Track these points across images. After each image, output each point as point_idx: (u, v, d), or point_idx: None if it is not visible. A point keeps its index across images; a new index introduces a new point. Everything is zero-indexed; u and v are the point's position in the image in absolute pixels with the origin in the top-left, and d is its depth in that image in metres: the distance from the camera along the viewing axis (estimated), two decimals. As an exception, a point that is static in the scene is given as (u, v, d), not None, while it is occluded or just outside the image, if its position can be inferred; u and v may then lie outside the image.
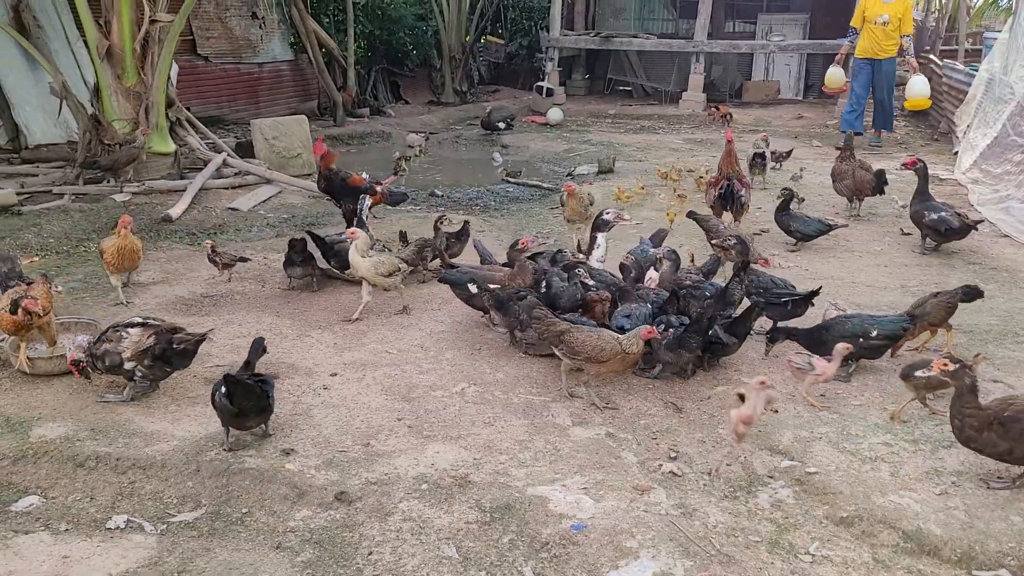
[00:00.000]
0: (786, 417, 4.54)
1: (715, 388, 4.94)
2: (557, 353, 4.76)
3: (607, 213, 6.28)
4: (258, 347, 4.22)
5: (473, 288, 5.60)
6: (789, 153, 11.88)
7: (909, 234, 8.01)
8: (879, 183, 8.77)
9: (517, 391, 4.82)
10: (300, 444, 4.07)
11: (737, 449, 4.15)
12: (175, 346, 4.26)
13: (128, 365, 4.25)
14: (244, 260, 6.59)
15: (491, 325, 5.70)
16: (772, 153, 11.23)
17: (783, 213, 7.76)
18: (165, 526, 3.48)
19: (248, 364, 4.13)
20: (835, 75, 13.79)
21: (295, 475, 3.79)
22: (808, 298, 5.47)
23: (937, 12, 24.50)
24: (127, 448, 3.96)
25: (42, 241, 7.38)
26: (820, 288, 5.54)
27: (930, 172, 8.08)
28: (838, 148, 10.16)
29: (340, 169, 7.67)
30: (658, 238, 6.62)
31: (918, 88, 13.13)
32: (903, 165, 8.21)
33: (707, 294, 5.50)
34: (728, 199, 7.89)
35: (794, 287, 5.66)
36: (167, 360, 4.31)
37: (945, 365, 3.73)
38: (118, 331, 4.32)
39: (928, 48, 18.97)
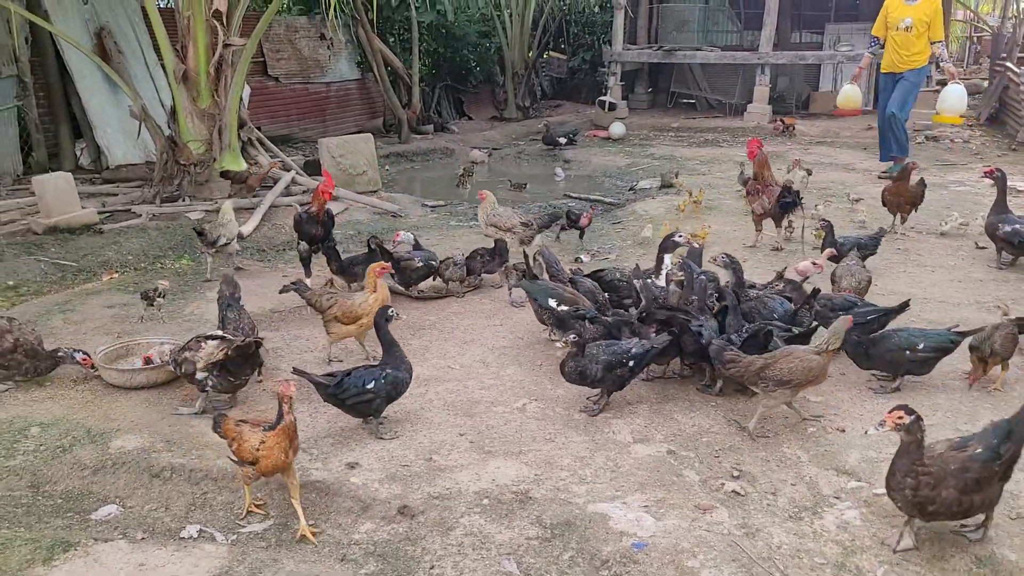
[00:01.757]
0: (853, 437, 4.45)
1: (780, 406, 4.87)
2: (757, 391, 4.53)
3: (679, 236, 6.15)
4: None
5: (553, 303, 5.59)
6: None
7: (984, 248, 7.77)
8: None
9: (578, 406, 4.83)
10: (364, 458, 4.16)
11: (802, 469, 4.09)
12: (229, 354, 4.40)
13: (200, 375, 4.42)
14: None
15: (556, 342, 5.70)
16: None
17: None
18: (235, 536, 3.59)
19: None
20: (849, 94, 11.85)
21: (359, 488, 3.87)
22: (895, 313, 5.33)
23: (1015, 18, 23.70)
24: (200, 460, 4.10)
25: (121, 258, 7.69)
26: (907, 303, 5.39)
27: (1008, 183, 7.84)
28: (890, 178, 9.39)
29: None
30: (696, 255, 6.45)
31: (952, 99, 10.79)
32: (984, 174, 7.94)
33: (775, 315, 5.42)
34: (789, 207, 8.01)
35: (866, 303, 5.57)
36: (229, 370, 4.46)
37: (900, 418, 3.37)
38: (199, 341, 4.49)
39: (1005, 55, 18.36)
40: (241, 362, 4.51)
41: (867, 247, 7.00)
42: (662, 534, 3.61)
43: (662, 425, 4.65)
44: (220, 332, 4.62)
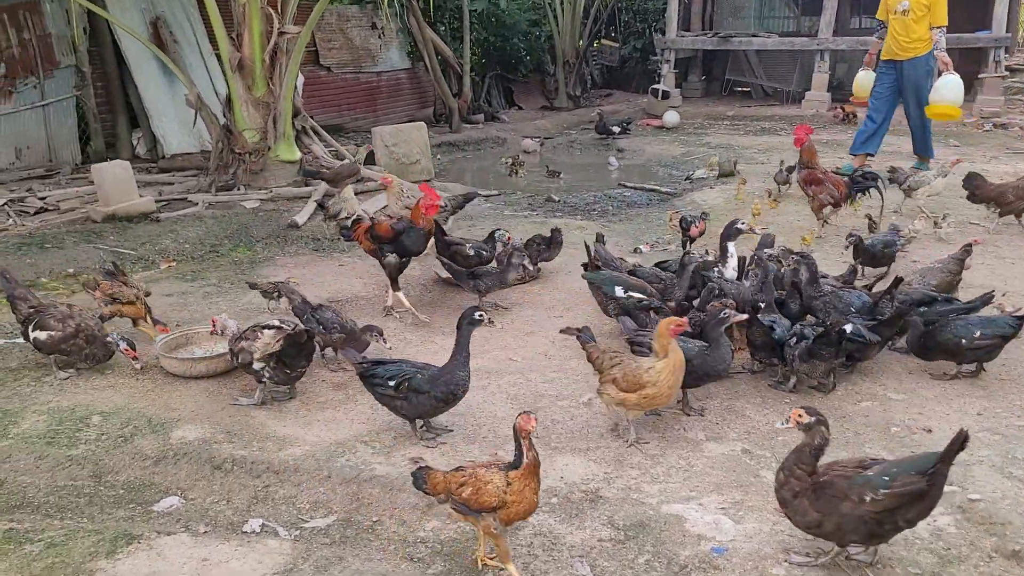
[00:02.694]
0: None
1: (859, 404, 4.64)
2: None
3: (741, 223, 5.95)
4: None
5: (620, 291, 5.43)
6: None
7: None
8: None
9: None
10: (428, 453, 4.03)
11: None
12: (284, 344, 4.30)
13: (257, 365, 4.33)
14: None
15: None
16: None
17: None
18: (298, 532, 3.49)
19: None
20: (864, 81, 11.03)
21: (424, 484, 3.74)
22: (978, 307, 5.09)
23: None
24: (261, 452, 4.02)
25: (178, 247, 7.68)
26: (991, 295, 5.14)
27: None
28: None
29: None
30: (767, 244, 6.23)
31: (946, 91, 9.83)
32: None
33: (852, 308, 5.20)
34: (860, 190, 8.01)
35: (948, 297, 5.32)
36: (284, 362, 4.36)
37: (800, 416, 3.21)
38: (256, 331, 4.41)
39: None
40: (295, 353, 4.41)
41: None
42: (743, 539, 3.43)
43: (734, 423, 4.45)
44: (277, 321, 4.52)
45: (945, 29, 9.93)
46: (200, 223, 8.29)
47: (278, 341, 4.33)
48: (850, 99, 12.90)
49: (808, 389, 4.79)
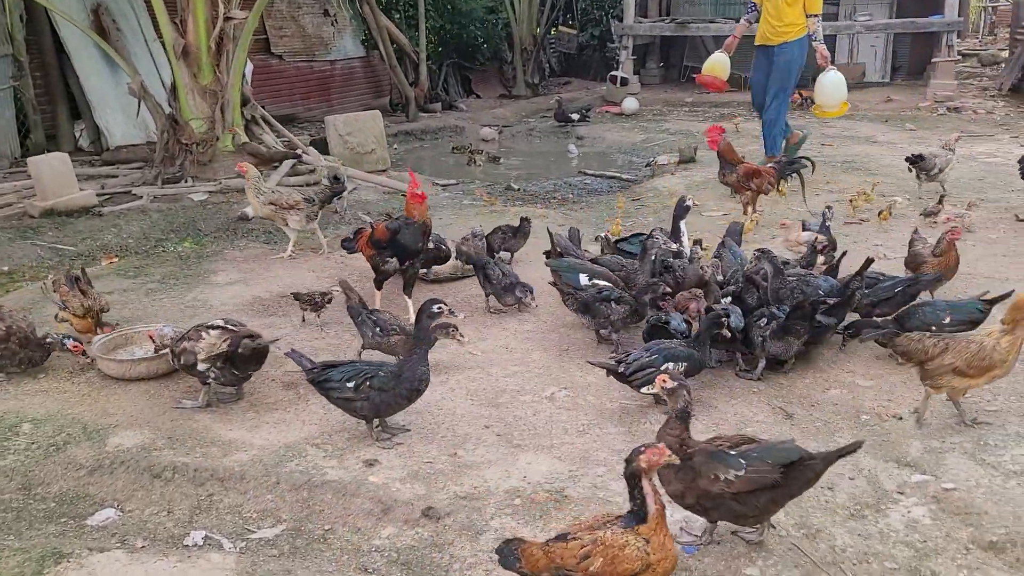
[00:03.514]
0: (912, 425, 4.11)
1: (828, 391, 4.53)
2: None
3: (688, 201, 6.25)
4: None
5: (584, 279, 5.27)
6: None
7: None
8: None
9: (611, 395, 4.48)
10: (383, 454, 3.82)
11: (859, 461, 3.75)
12: (239, 350, 4.05)
13: (201, 367, 4.08)
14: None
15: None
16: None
17: None
18: (244, 543, 3.26)
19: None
20: (714, 62, 9.95)
21: (379, 488, 3.54)
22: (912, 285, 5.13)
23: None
24: (205, 458, 3.78)
25: (121, 241, 7.35)
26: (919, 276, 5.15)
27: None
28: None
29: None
30: (736, 233, 6.16)
31: (829, 89, 9.27)
32: None
33: (820, 292, 5.11)
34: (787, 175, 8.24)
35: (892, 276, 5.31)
36: (235, 364, 4.12)
37: (665, 382, 3.15)
38: (199, 331, 4.15)
39: (1027, 24, 17.82)
40: (247, 356, 4.16)
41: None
42: (714, 537, 3.28)
43: (703, 415, 4.30)
44: (221, 321, 4.27)
45: (820, 18, 9.27)
46: (145, 217, 7.95)
47: (224, 341, 4.08)
48: (695, 76, 11.55)
49: (772, 377, 4.67)
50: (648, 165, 11.43)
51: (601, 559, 2.58)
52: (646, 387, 3.20)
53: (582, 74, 22.04)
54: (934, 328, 4.62)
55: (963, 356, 3.84)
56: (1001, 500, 3.45)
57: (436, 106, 16.96)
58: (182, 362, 4.16)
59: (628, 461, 2.70)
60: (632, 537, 2.62)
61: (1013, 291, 4.89)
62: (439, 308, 3.99)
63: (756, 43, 9.61)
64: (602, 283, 5.12)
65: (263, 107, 14.55)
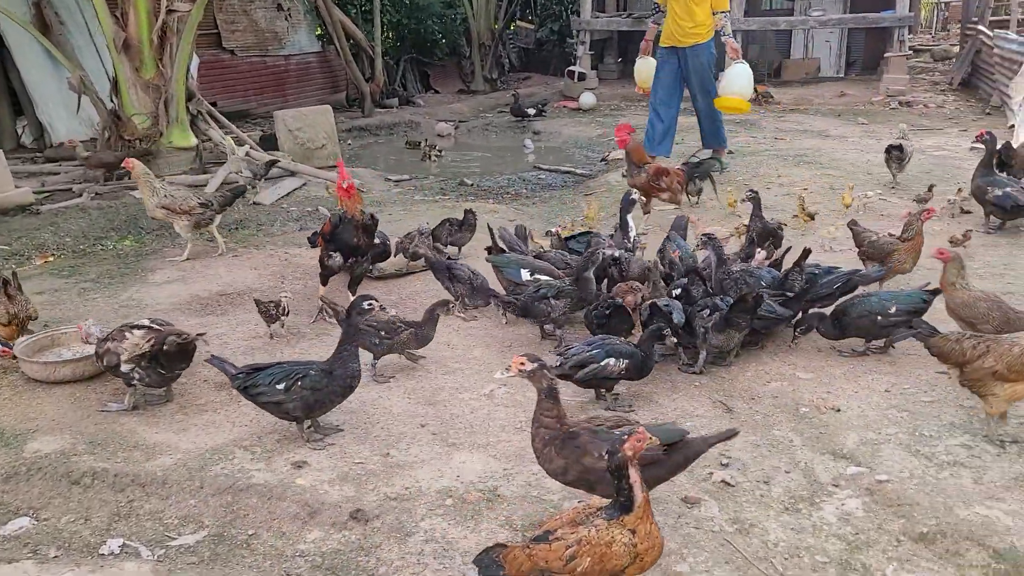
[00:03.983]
0: (850, 416, 4.10)
1: (768, 384, 4.52)
2: None
3: (633, 195, 6.37)
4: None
5: (526, 274, 5.23)
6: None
7: (969, 212, 7.46)
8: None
9: (551, 392, 4.42)
10: (314, 456, 3.73)
11: (796, 454, 3.74)
12: (165, 347, 3.93)
13: (125, 368, 3.95)
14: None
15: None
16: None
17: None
18: (163, 551, 3.15)
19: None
20: (642, 70, 9.72)
21: (307, 491, 3.44)
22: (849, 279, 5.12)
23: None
24: (127, 463, 3.65)
25: (59, 240, 7.15)
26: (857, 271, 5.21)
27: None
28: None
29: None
30: (681, 227, 6.13)
31: (734, 81, 8.94)
32: (976, 138, 7.61)
33: (763, 284, 5.12)
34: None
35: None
36: (161, 363, 3.99)
37: (522, 364, 3.11)
38: (123, 331, 4.01)
39: (976, 19, 18.11)
40: (174, 355, 4.04)
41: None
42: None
43: (643, 409, 4.26)
44: (147, 321, 4.13)
45: (728, 14, 9.08)
46: (84, 215, 7.74)
47: (148, 342, 3.95)
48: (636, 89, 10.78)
49: (715, 370, 4.65)
50: (603, 160, 11.41)
51: (589, 559, 2.50)
52: (500, 372, 3.20)
53: (542, 69, 22.01)
54: (879, 318, 4.62)
55: (1005, 359, 3.57)
56: (933, 491, 3.45)
57: (393, 101, 16.82)
58: (105, 363, 4.02)
59: (611, 453, 2.62)
60: (618, 531, 2.55)
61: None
62: (369, 304, 3.90)
63: (663, 44, 9.26)
64: (544, 278, 5.06)
65: (215, 102, 14.39)
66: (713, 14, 8.91)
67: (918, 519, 3.29)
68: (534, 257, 5.66)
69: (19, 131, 11.51)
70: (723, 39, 9.06)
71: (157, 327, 4.05)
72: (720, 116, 9.63)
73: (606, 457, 2.71)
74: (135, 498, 3.44)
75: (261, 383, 3.71)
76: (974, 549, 3.11)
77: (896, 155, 8.53)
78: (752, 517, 3.36)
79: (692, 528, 3.28)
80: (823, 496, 3.49)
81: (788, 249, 5.76)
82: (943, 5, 33.32)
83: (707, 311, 4.58)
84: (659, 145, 9.52)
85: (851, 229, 5.89)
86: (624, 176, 7.93)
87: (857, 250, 5.82)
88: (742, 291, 4.92)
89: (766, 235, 6.14)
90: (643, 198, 7.30)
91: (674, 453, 3.09)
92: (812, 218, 6.80)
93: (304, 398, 3.69)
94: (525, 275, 5.15)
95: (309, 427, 3.89)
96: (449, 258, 6.03)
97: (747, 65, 9.01)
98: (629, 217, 6.07)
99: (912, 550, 3.14)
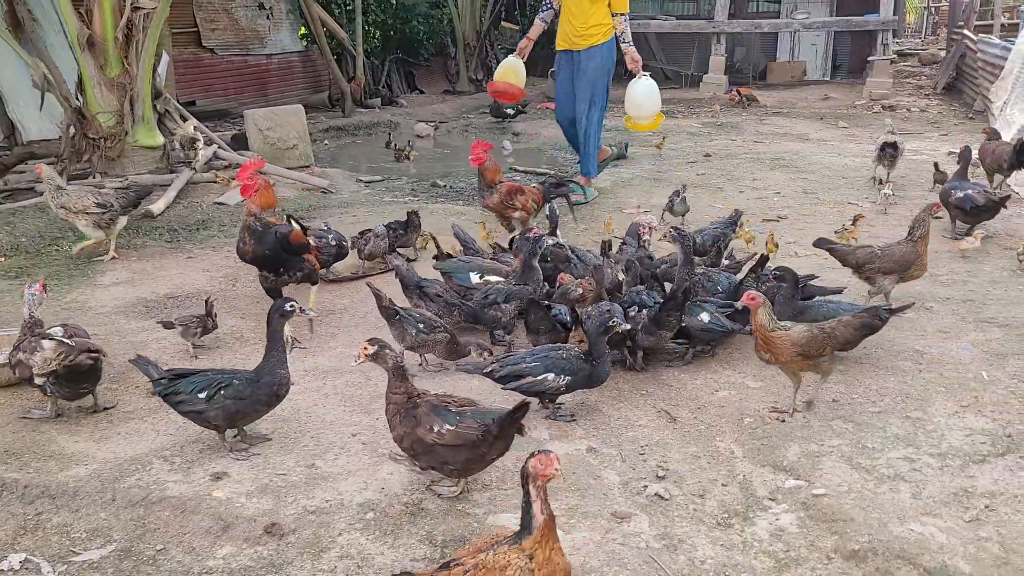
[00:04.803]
0: (793, 427, 4.01)
1: (716, 393, 4.42)
2: None
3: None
4: None
5: (475, 278, 5.14)
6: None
7: (939, 218, 7.36)
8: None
9: (493, 399, 4.30)
10: (235, 466, 3.61)
11: (736, 466, 3.63)
12: (73, 364, 3.80)
13: (38, 380, 3.83)
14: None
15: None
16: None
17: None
18: (65, 567, 3.02)
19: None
20: (507, 67, 8.69)
21: (222, 504, 3.33)
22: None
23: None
24: (39, 473, 3.53)
25: (14, 240, 7.01)
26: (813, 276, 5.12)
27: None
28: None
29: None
30: (635, 233, 5.96)
31: (641, 99, 8.24)
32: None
33: (719, 288, 5.04)
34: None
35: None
36: (70, 379, 3.87)
37: (366, 348, 3.35)
38: (34, 342, 3.88)
39: (962, 23, 18.06)
40: (77, 377, 3.91)
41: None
42: (569, 550, 3.12)
43: (585, 419, 4.16)
44: (60, 331, 4.00)
45: (628, 17, 8.14)
46: (43, 214, 7.59)
47: (59, 357, 3.79)
48: (487, 83, 10.02)
49: (664, 378, 4.55)
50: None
51: None
52: (355, 360, 3.48)
53: (530, 71, 21.74)
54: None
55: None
56: (870, 506, 3.36)
57: (375, 101, 16.69)
58: (18, 375, 3.89)
59: (523, 467, 2.58)
60: (515, 555, 2.44)
61: (913, 303, 4.84)
62: (291, 307, 3.80)
63: (558, 47, 8.50)
64: (493, 278, 4.97)
65: (193, 102, 14.28)
66: (612, 16, 8.07)
67: (851, 535, 3.19)
68: (491, 260, 5.57)
69: (-11, 129, 11.35)
70: (623, 47, 8.23)
71: (66, 342, 3.88)
72: (598, 142, 8.75)
73: (434, 432, 3.22)
74: (44, 511, 3.32)
75: (183, 391, 3.60)
76: (905, 568, 3.02)
77: (890, 152, 8.46)
78: (682, 533, 3.26)
79: (618, 544, 3.17)
80: (758, 511, 3.40)
81: (753, 255, 5.64)
82: (933, 9, 33.31)
83: (634, 308, 4.49)
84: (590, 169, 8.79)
85: (827, 249, 5.46)
86: (480, 199, 7.10)
87: (857, 271, 5.36)
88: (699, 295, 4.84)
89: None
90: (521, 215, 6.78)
91: (486, 435, 3.28)
92: (777, 247, 6.49)
93: (227, 408, 3.58)
94: (475, 278, 5.07)
95: (236, 436, 3.77)
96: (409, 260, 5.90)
97: (649, 78, 8.26)
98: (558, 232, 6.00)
99: (842, 568, 3.04)
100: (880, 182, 8.68)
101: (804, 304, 4.76)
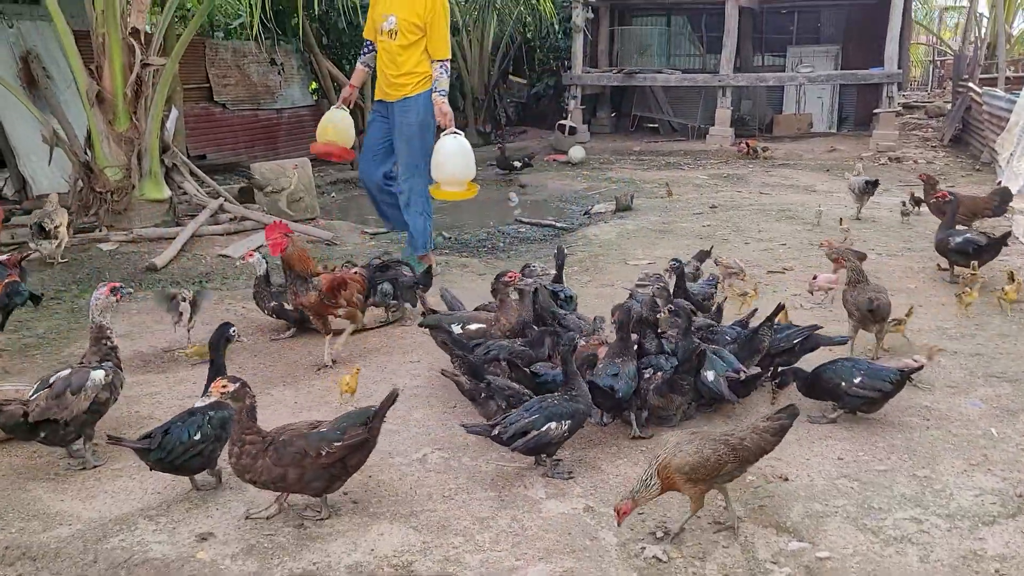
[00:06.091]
0: (798, 486, 3.89)
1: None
2: None
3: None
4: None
5: (457, 328, 5.10)
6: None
7: (946, 269, 7.30)
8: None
9: (489, 456, 4.23)
10: (222, 526, 3.52)
11: (738, 527, 3.52)
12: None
13: None
14: None
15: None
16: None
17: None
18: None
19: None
20: (329, 122, 7.33)
21: (206, 566, 3.24)
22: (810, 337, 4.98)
23: (975, 41, 23.68)
24: (22, 534, 3.45)
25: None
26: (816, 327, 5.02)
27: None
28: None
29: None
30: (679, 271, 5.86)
31: (446, 164, 6.73)
32: (936, 198, 7.73)
33: (728, 338, 4.95)
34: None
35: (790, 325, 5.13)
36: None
37: (224, 387, 3.36)
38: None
39: (967, 76, 18.20)
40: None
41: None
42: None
43: (583, 476, 4.06)
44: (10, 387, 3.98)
45: (448, 65, 7.03)
46: (47, 267, 7.64)
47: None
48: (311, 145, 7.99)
49: (662, 432, 4.45)
50: (586, 213, 11.34)
51: None
52: (203, 398, 3.64)
53: (538, 123, 22.15)
54: (843, 385, 4.40)
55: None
56: (876, 570, 3.24)
57: (383, 154, 16.85)
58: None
59: None
60: None
61: (923, 365, 4.73)
62: (233, 332, 4.14)
63: (376, 96, 7.44)
64: (473, 327, 4.94)
65: (204, 156, 14.46)
66: (432, 62, 6.99)
67: (855, 602, 3.07)
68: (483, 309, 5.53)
69: (0, 183, 11.50)
70: (433, 96, 6.94)
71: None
72: (427, 212, 7.42)
73: (324, 453, 3.39)
74: (24, 573, 3.23)
75: (175, 442, 3.57)
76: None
77: (870, 190, 9.71)
78: (681, 598, 3.14)
79: (614, 608, 3.06)
80: (760, 574, 3.27)
81: (754, 311, 5.56)
82: (939, 63, 33.64)
83: (649, 371, 4.42)
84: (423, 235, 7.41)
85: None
86: (289, 298, 5.60)
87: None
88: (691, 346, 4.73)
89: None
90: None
91: (372, 432, 3.55)
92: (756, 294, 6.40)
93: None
94: (456, 329, 5.03)
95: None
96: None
97: (461, 137, 6.82)
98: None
99: (844, 636, 2.91)
100: (856, 218, 9.74)
101: (819, 368, 4.62)
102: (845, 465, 4.08)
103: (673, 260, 5.68)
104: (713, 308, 5.64)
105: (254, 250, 6.27)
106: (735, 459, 3.42)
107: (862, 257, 6.84)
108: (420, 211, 7.35)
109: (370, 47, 7.31)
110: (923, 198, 8.72)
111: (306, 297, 5.34)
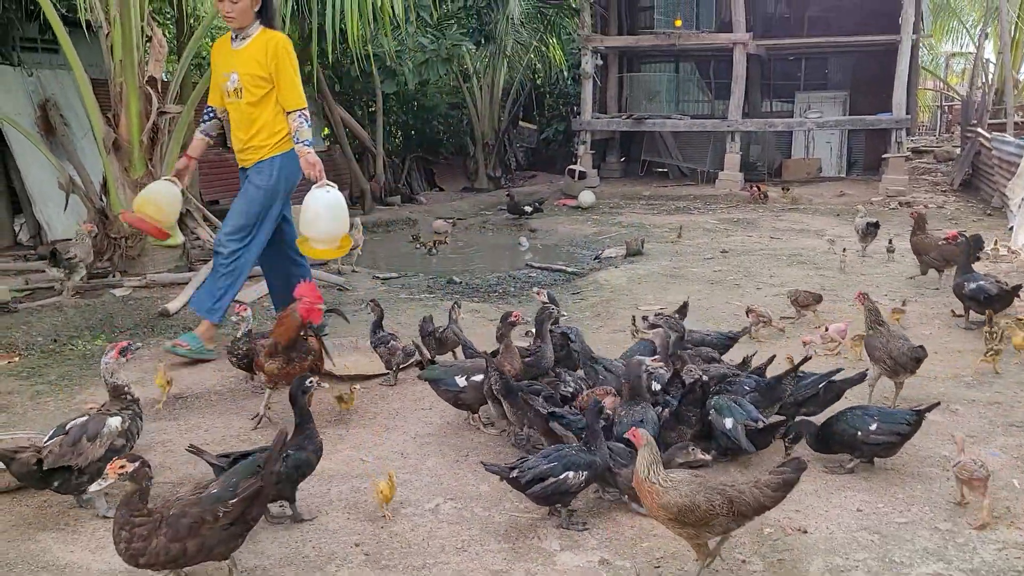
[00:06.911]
0: (817, 539, 3.82)
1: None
2: None
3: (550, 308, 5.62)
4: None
5: (462, 381, 5.04)
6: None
7: (961, 315, 7.25)
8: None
9: (502, 507, 4.18)
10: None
11: (754, 582, 3.45)
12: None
13: None
14: None
15: (480, 426, 5.12)
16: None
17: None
18: None
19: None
20: (144, 197, 6.40)
21: (217, 620, 3.19)
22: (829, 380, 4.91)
23: (983, 86, 23.83)
24: (30, 587, 3.42)
25: (30, 339, 7.04)
26: (837, 371, 4.95)
27: (986, 248, 7.62)
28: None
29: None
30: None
31: (316, 221, 5.98)
32: (944, 239, 7.75)
33: (746, 388, 4.88)
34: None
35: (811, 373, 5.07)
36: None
37: (123, 467, 3.13)
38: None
39: (975, 121, 18.27)
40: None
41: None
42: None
43: (598, 528, 4.00)
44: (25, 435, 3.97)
45: (306, 113, 6.18)
46: (59, 313, 7.66)
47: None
48: (122, 213, 7.77)
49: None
50: (596, 258, 11.35)
51: None
52: (94, 486, 3.61)
53: (548, 168, 22.36)
54: (859, 434, 4.34)
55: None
56: (899, 628, 3.16)
57: (395, 199, 17.03)
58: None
59: None
60: None
61: (939, 403, 4.66)
62: (310, 383, 4.15)
63: (240, 164, 6.58)
64: (478, 378, 4.89)
65: (217, 201, 14.60)
66: (287, 114, 6.12)
67: (881, 662, 2.99)
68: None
69: (16, 229, 11.63)
70: (297, 147, 6.13)
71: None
72: (238, 281, 6.47)
73: (221, 514, 3.20)
74: (32, 627, 3.19)
75: None
76: None
77: (872, 231, 10.26)
78: (699, 656, 3.07)
79: (630, 668, 2.99)
80: (780, 631, 3.20)
81: (772, 358, 5.50)
82: (946, 107, 33.84)
83: (661, 408, 4.39)
84: (211, 309, 6.48)
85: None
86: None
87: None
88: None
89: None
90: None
91: (266, 478, 3.40)
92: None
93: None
94: (461, 381, 4.98)
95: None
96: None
97: (334, 190, 6.03)
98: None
99: None
100: (862, 256, 10.39)
101: (834, 416, 4.56)
102: (865, 517, 4.00)
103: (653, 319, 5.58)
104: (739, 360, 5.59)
105: (247, 304, 5.79)
106: (730, 512, 3.29)
107: (818, 299, 7.33)
108: (233, 282, 6.39)
109: (210, 114, 6.58)
110: (911, 235, 8.92)
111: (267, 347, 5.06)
